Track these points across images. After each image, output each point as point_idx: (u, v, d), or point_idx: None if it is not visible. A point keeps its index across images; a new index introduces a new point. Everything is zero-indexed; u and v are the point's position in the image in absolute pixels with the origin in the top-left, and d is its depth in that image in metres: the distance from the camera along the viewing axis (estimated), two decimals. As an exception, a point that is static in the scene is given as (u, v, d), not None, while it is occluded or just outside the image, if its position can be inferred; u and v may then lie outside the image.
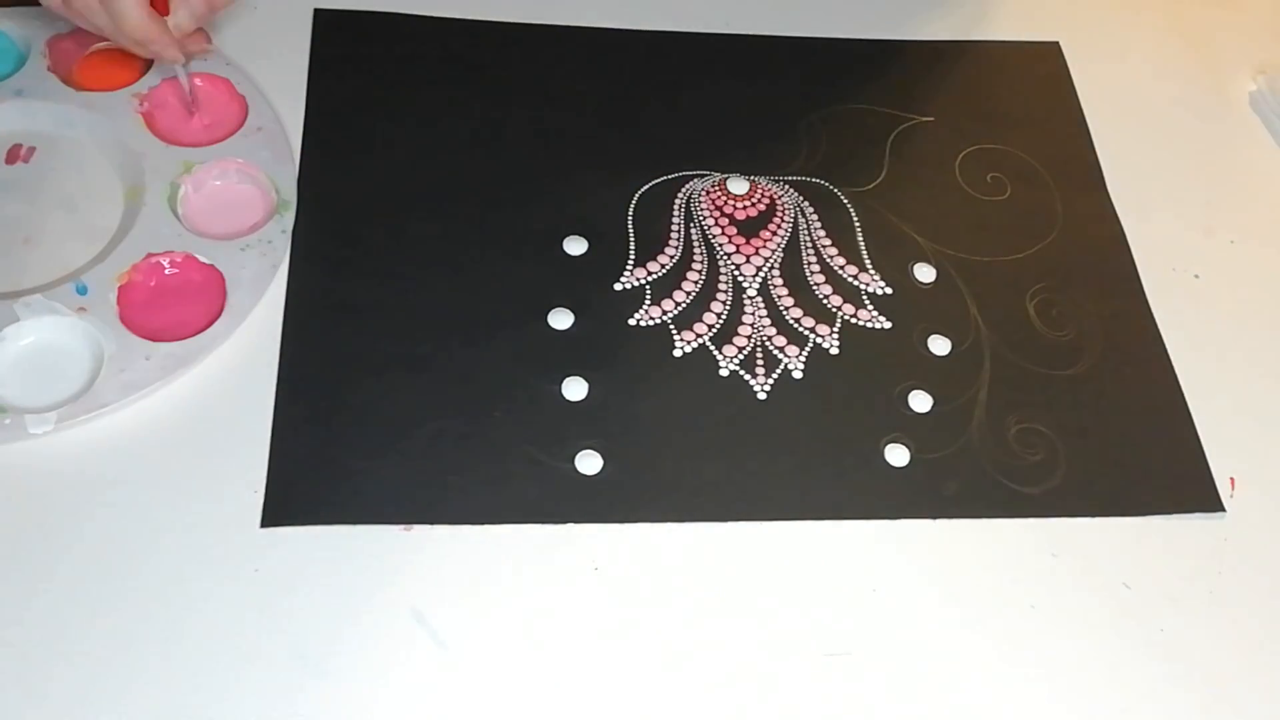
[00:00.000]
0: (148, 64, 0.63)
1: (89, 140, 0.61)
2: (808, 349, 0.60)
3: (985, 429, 0.58)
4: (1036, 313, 0.62)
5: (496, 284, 0.60)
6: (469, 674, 0.49)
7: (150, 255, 0.57)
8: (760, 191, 0.65)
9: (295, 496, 0.52)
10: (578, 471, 0.54)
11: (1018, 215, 0.66)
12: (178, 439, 0.53)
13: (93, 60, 0.64)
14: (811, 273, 0.62)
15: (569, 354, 0.58)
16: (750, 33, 0.71)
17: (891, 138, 0.68)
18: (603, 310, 0.59)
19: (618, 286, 0.61)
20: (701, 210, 0.64)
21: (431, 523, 0.52)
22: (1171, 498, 0.57)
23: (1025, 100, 0.71)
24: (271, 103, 0.63)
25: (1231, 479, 0.58)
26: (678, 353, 0.59)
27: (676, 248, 0.62)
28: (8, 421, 0.52)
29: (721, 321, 0.60)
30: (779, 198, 0.65)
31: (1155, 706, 0.51)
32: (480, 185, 0.63)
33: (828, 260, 0.63)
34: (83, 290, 0.55)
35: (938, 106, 0.70)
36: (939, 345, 0.60)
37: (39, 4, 0.56)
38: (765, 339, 0.60)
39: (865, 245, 0.64)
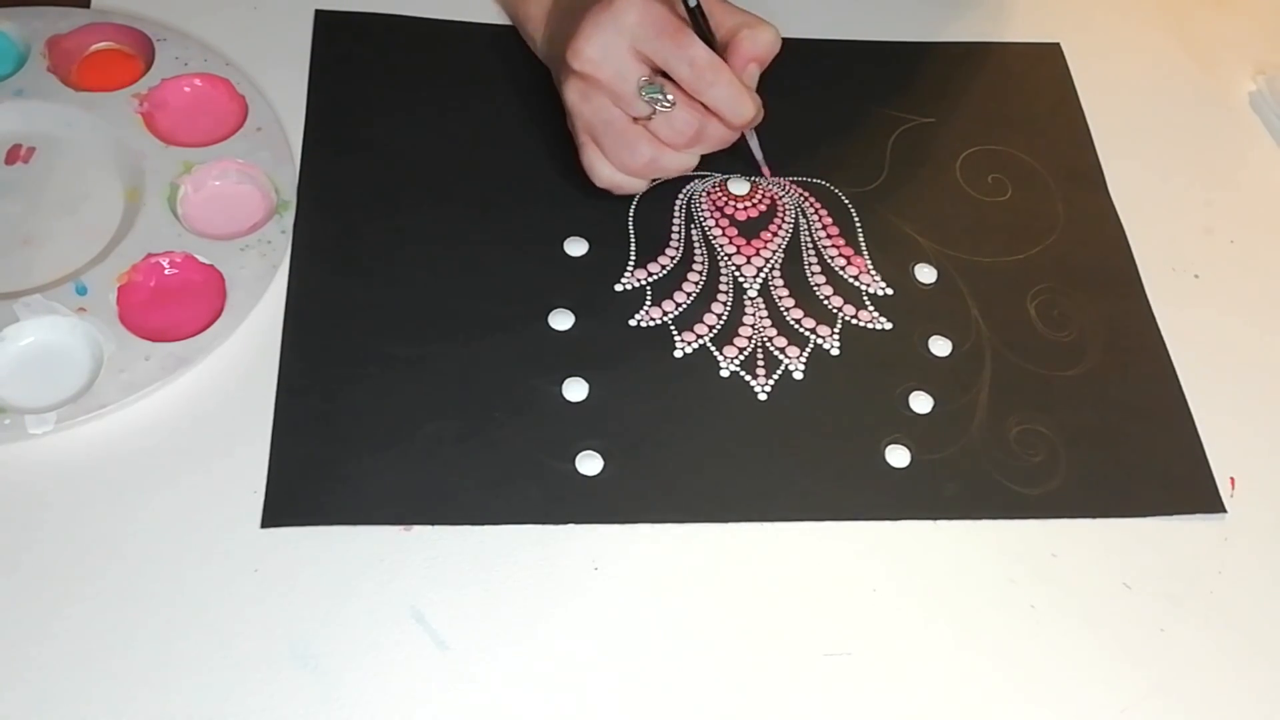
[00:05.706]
0: (148, 64, 0.63)
1: (89, 140, 0.61)
2: (808, 350, 0.60)
3: (986, 430, 0.58)
4: (1037, 313, 0.62)
5: (496, 285, 0.60)
6: (469, 674, 0.49)
7: (150, 255, 0.57)
8: (761, 192, 0.65)
9: (295, 496, 0.52)
10: (578, 472, 0.54)
11: (1018, 216, 0.66)
12: (178, 439, 0.53)
13: (93, 60, 0.63)
14: (812, 273, 0.62)
15: (569, 355, 0.58)
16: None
17: (892, 138, 0.68)
18: (603, 311, 0.59)
19: (618, 287, 0.60)
20: (702, 211, 0.64)
21: (431, 523, 0.52)
22: (1171, 498, 0.57)
23: (1026, 101, 0.71)
24: (271, 103, 0.63)
25: (1231, 479, 0.58)
26: (678, 353, 0.59)
27: (677, 249, 0.62)
28: (8, 421, 0.52)
29: (722, 322, 0.60)
30: (780, 199, 0.65)
31: (1155, 706, 0.51)
32: (480, 186, 0.63)
33: (828, 261, 0.63)
34: (82, 290, 0.55)
35: (938, 107, 0.70)
36: (940, 346, 0.60)
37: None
38: (766, 340, 0.60)
39: (866, 245, 0.64)
